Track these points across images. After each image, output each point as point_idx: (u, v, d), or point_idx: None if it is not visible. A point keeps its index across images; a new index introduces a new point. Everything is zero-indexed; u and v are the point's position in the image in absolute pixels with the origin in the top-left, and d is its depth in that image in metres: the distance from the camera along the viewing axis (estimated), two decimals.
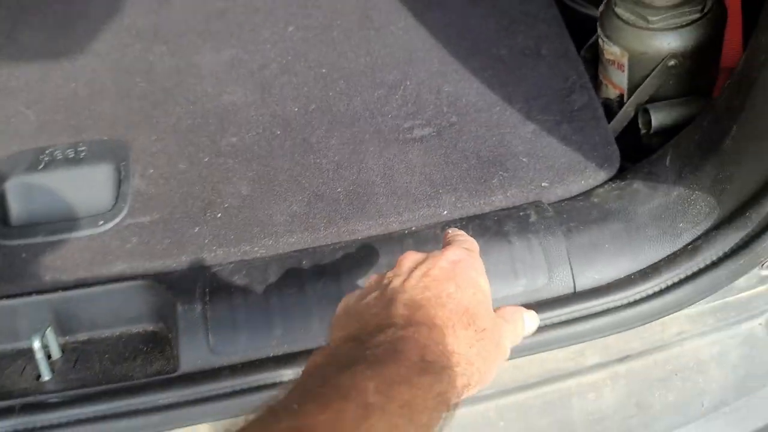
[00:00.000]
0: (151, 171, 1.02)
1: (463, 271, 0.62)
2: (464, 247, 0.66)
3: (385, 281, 0.61)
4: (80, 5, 1.23)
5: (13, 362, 0.91)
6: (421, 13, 1.18)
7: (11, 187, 1.02)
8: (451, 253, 0.64)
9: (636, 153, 1.05)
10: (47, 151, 1.05)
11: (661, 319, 0.90)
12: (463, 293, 0.60)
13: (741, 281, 0.89)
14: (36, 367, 0.88)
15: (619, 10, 1.00)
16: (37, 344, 0.87)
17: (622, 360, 0.94)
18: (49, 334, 0.90)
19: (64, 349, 0.92)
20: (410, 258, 0.64)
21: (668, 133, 1.02)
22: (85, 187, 1.02)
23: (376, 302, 0.59)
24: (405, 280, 0.60)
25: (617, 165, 1.00)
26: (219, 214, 0.98)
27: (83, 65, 1.15)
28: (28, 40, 1.18)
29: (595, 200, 0.97)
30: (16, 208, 1.01)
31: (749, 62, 0.83)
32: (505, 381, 0.91)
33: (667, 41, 0.97)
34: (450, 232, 0.72)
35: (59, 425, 0.81)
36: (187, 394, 0.83)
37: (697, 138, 0.92)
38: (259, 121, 1.07)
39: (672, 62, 0.98)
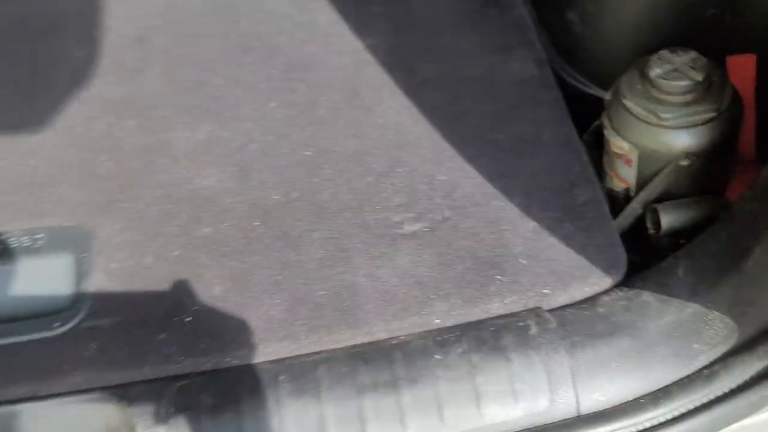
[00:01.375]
0: (114, 265, 0.93)
1: None
2: None
3: None
4: (43, 72, 1.13)
5: None
6: (414, 92, 1.11)
7: None
8: None
9: (642, 247, 0.99)
10: (0, 239, 0.95)
11: None
12: None
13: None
14: None
15: (628, 104, 0.93)
16: None
17: None
18: None
19: None
20: None
21: (678, 234, 0.95)
22: (41, 282, 0.93)
23: None
24: None
25: (624, 269, 0.92)
26: (188, 318, 0.88)
27: (44, 140, 1.05)
28: None
29: (601, 310, 0.89)
30: None
31: None
32: None
33: (680, 140, 0.91)
34: None
35: None
36: None
37: (713, 251, 0.85)
38: (236, 210, 0.98)
39: (685, 161, 0.91)
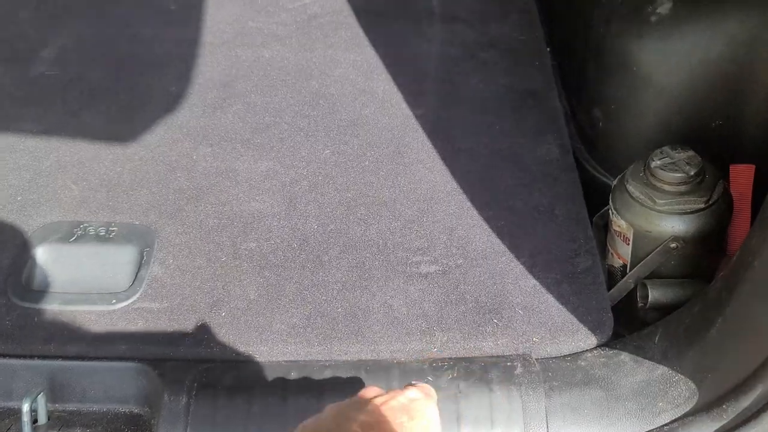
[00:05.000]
0: (171, 261, 1.09)
1: (418, 407, 0.67)
2: (424, 392, 0.71)
3: (344, 407, 0.66)
4: (142, 99, 1.34)
5: (0, 420, 0.95)
6: (449, 157, 1.26)
7: (41, 253, 1.09)
8: (409, 392, 0.69)
9: (630, 323, 1.09)
10: (81, 226, 1.13)
11: None
12: (415, 425, 0.64)
13: None
14: (20, 430, 0.92)
15: (630, 187, 1.06)
16: (26, 407, 0.92)
17: None
18: (40, 399, 0.95)
19: (50, 416, 0.96)
20: (372, 390, 0.68)
21: (664, 310, 1.05)
22: (108, 265, 1.09)
23: (333, 420, 0.64)
24: (363, 405, 0.65)
25: (609, 332, 1.03)
26: (223, 313, 1.03)
27: (132, 153, 1.24)
28: (90, 121, 1.29)
29: (582, 363, 0.99)
30: (40, 273, 1.08)
31: (740, 259, 0.88)
32: None
33: (671, 224, 1.03)
34: (414, 382, 0.77)
35: None
36: None
37: (686, 321, 0.95)
38: (279, 232, 1.13)
39: (674, 244, 1.03)
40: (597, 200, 1.24)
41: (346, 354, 1.00)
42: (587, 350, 1.02)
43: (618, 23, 1.21)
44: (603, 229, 1.21)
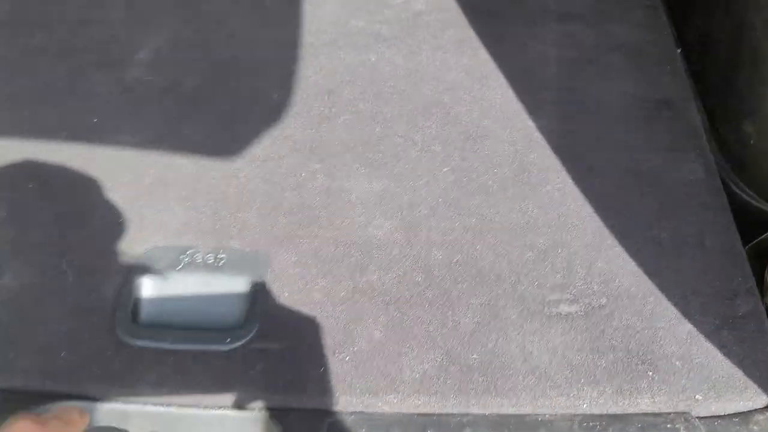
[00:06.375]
0: (286, 295, 1.01)
1: None
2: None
3: None
4: (243, 107, 1.25)
5: None
6: (579, 176, 1.14)
7: (147, 282, 1.02)
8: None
9: None
10: (188, 252, 1.05)
11: None
12: None
13: None
14: None
15: None
16: None
17: None
18: None
19: None
20: None
21: None
22: (219, 297, 1.01)
23: None
24: None
25: None
26: (347, 357, 0.94)
27: (237, 169, 1.16)
28: (190, 134, 1.21)
29: (755, 428, 0.88)
30: (147, 306, 1.01)
31: None
32: None
33: None
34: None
35: None
36: None
37: None
38: (401, 263, 1.04)
39: None
40: (747, 227, 1.11)
41: (484, 408, 0.91)
42: (758, 410, 0.90)
43: None
44: (756, 260, 1.08)
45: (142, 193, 1.13)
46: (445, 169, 1.16)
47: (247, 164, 1.17)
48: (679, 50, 1.36)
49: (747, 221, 1.12)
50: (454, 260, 1.04)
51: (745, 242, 1.09)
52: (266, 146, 1.19)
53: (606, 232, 1.08)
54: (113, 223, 1.09)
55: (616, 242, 1.06)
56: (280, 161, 1.17)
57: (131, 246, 1.06)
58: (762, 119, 1.12)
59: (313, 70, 1.32)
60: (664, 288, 1.01)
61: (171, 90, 1.28)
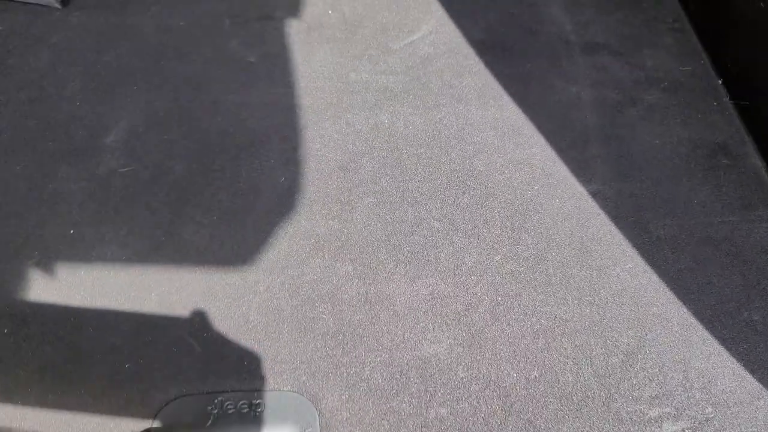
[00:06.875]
0: None
1: None
2: None
3: None
4: (248, 197, 1.06)
5: None
6: (649, 252, 1.01)
7: None
8: None
9: None
10: (217, 400, 0.87)
11: None
12: None
13: None
14: None
15: None
16: None
17: None
18: None
19: None
20: None
21: None
22: None
23: None
24: None
25: None
26: None
27: (254, 281, 0.97)
28: (191, 238, 1.01)
29: None
30: None
31: None
32: None
33: None
34: None
35: None
36: None
37: None
38: (471, 387, 0.88)
39: None
40: None
41: None
42: None
43: None
44: None
45: (146, 326, 0.93)
46: (497, 258, 1.00)
47: (266, 274, 0.98)
48: (720, 81, 1.23)
49: None
50: (531, 377, 0.89)
51: None
52: (284, 247, 1.01)
53: (693, 321, 0.94)
54: (116, 373, 0.90)
55: (706, 332, 0.93)
56: (304, 266, 0.99)
57: (144, 402, 0.87)
58: None
59: (320, 141, 1.13)
60: None
61: (157, 181, 1.08)
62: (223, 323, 0.94)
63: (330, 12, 1.33)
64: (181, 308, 0.95)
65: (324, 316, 0.94)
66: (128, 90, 1.20)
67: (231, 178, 1.08)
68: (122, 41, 1.27)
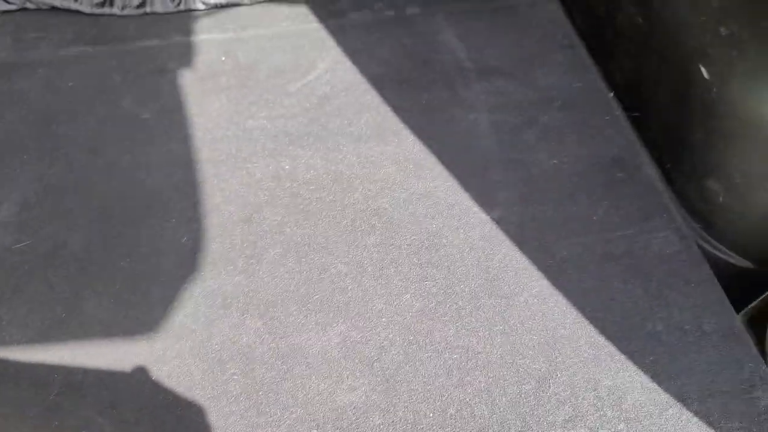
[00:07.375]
0: None
1: None
2: None
3: None
4: (151, 262, 1.03)
5: None
6: (555, 274, 1.03)
7: None
8: None
9: None
10: None
11: None
12: None
13: None
14: None
15: None
16: None
17: None
18: None
19: None
20: None
21: None
22: None
23: None
24: None
25: None
26: None
27: (164, 348, 0.95)
28: (93, 312, 0.99)
29: None
30: None
31: None
32: None
33: None
34: None
35: None
36: None
37: None
38: None
39: None
40: (730, 285, 1.03)
41: None
42: None
43: (741, 80, 0.98)
44: (752, 328, 1.00)
45: (51, 410, 0.90)
46: (406, 297, 1.00)
47: (174, 340, 0.96)
48: (611, 94, 1.27)
49: (730, 281, 1.04)
50: (448, 414, 0.90)
51: (735, 306, 1.02)
52: (191, 309, 0.99)
53: (601, 340, 0.96)
54: None
55: (614, 349, 0.96)
56: (212, 327, 0.97)
57: None
58: (727, 175, 1.04)
59: (221, 195, 1.12)
60: (678, 395, 0.91)
61: (54, 255, 1.05)
62: (134, 397, 0.91)
63: (223, 59, 1.32)
64: (87, 386, 0.92)
65: (236, 378, 0.93)
66: (18, 160, 1.16)
67: (131, 243, 1.06)
68: (8, 109, 1.23)
